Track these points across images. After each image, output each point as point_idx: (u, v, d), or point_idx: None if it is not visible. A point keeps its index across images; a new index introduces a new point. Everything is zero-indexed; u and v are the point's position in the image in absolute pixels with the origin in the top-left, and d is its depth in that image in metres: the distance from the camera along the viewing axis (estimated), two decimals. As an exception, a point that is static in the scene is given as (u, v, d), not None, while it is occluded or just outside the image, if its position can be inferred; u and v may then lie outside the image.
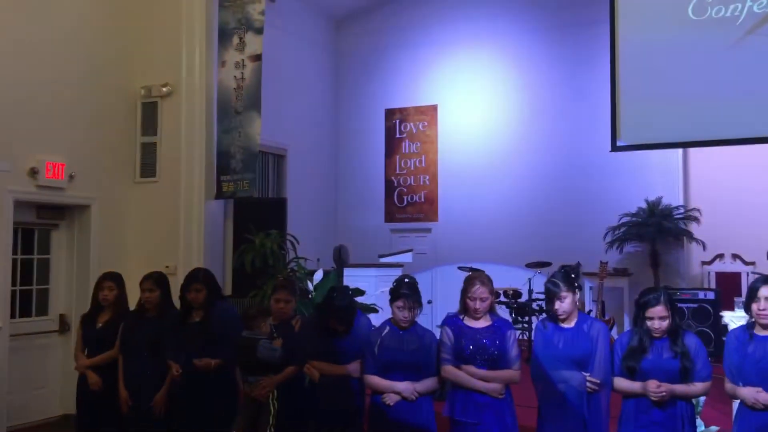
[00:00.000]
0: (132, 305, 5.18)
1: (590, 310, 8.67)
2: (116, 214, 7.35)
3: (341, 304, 4.30)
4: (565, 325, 4.04)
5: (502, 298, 8.99)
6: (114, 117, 7.37)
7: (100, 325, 5.08)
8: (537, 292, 8.66)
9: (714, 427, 4.81)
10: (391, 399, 4.07)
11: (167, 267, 6.82)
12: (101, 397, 4.93)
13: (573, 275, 4.15)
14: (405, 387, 4.07)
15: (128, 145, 7.53)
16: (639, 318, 3.88)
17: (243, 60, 7.68)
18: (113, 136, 7.35)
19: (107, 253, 7.08)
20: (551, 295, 4.05)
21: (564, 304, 4.02)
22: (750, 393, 3.62)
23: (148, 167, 7.53)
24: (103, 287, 5.09)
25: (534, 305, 8.66)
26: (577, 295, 4.07)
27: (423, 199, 11.55)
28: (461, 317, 4.15)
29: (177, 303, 4.98)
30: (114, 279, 5.15)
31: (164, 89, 7.45)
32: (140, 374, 4.79)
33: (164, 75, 7.48)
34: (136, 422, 4.78)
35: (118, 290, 5.13)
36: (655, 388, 3.71)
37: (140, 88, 7.56)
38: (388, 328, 4.21)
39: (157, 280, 4.98)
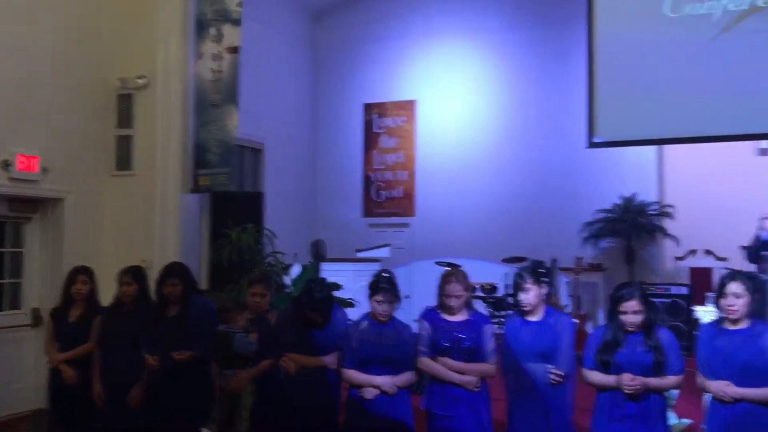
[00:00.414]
0: (106, 299, 5.13)
1: (566, 305, 8.75)
2: (91, 208, 7.27)
3: (320, 295, 4.30)
4: (531, 319, 4.11)
5: (479, 293, 9.04)
6: (89, 109, 7.28)
7: (73, 319, 5.03)
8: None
9: (686, 420, 4.89)
10: (369, 393, 4.08)
11: (143, 261, 6.71)
12: (75, 392, 4.89)
13: (541, 270, 4.20)
14: (384, 381, 4.09)
15: (104, 137, 7.44)
16: (613, 312, 3.93)
17: (220, 52, 7.62)
18: (88, 129, 7.26)
19: (81, 247, 7.00)
20: (516, 286, 4.13)
21: (528, 295, 4.07)
22: (719, 386, 3.68)
23: (124, 160, 7.46)
24: (76, 281, 5.04)
25: (510, 300, 8.72)
26: (544, 289, 4.11)
27: (401, 194, 11.56)
28: (439, 311, 4.18)
29: (153, 297, 4.94)
30: (87, 273, 5.11)
31: (140, 81, 7.37)
32: (117, 368, 4.75)
33: (140, 67, 7.41)
34: (112, 416, 4.73)
35: (92, 284, 5.08)
36: (629, 381, 3.76)
37: (116, 80, 7.47)
38: (366, 322, 4.22)
39: (135, 274, 4.93)
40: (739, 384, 3.64)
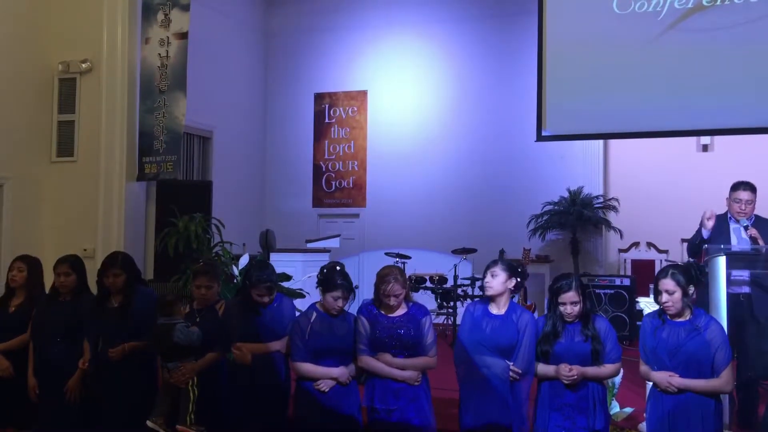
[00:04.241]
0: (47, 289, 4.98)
1: (513, 295, 8.85)
2: (31, 195, 7.06)
3: (260, 273, 4.28)
4: (494, 312, 4.09)
5: (428, 284, 9.08)
6: (29, 93, 7.06)
7: (12, 309, 4.88)
8: (462, 278, 8.79)
9: (628, 409, 4.99)
10: (326, 385, 4.06)
11: (85, 250, 6.61)
12: (12, 384, 4.74)
13: (518, 268, 4.21)
14: (341, 372, 4.08)
15: (44, 122, 7.22)
16: (552, 303, 4.00)
17: (168, 37, 7.45)
18: (28, 113, 7.04)
19: (21, 236, 6.79)
20: (486, 268, 4.13)
21: (494, 280, 4.08)
22: (662, 377, 3.75)
23: (66, 146, 7.26)
24: (12, 267, 4.91)
25: (459, 291, 8.79)
26: (511, 283, 4.11)
27: (351, 185, 11.53)
28: (376, 306, 4.17)
29: (93, 287, 4.81)
30: (24, 260, 4.95)
31: (83, 65, 7.17)
32: (53, 360, 4.62)
33: (84, 50, 7.21)
34: (50, 409, 4.60)
35: (28, 271, 4.92)
36: (566, 371, 3.83)
37: (57, 64, 7.25)
38: (315, 314, 4.19)
39: (73, 264, 4.79)
40: (683, 375, 3.71)
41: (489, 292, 4.10)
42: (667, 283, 3.78)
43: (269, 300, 4.34)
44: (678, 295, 3.77)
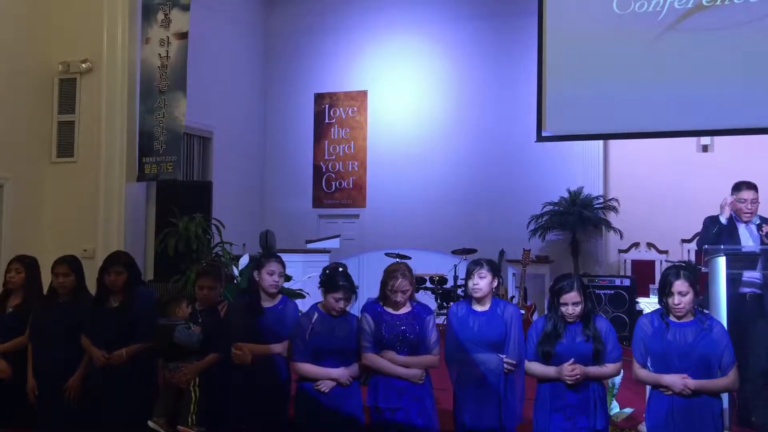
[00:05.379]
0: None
1: (513, 296, 8.86)
2: (31, 195, 7.05)
3: (269, 255, 4.33)
4: (479, 309, 4.13)
5: (428, 284, 9.08)
6: (29, 93, 7.05)
7: (11, 309, 4.87)
8: (462, 279, 8.77)
9: (628, 409, 4.98)
10: (326, 386, 4.06)
11: (85, 250, 6.60)
12: (11, 385, 4.73)
13: (497, 266, 4.27)
14: (341, 373, 4.07)
15: (44, 123, 7.22)
16: (553, 304, 3.99)
17: (168, 37, 7.44)
18: (28, 114, 7.04)
19: (21, 236, 6.79)
20: (470, 272, 4.14)
21: (481, 282, 4.10)
22: (677, 380, 3.71)
23: (66, 147, 7.25)
24: (9, 269, 4.91)
25: (459, 291, 8.79)
26: (495, 283, 4.15)
27: (351, 185, 11.53)
28: (381, 304, 4.18)
29: (92, 287, 4.80)
30: (22, 261, 4.94)
31: (83, 65, 7.16)
32: (52, 361, 4.62)
33: (84, 50, 7.20)
34: (50, 410, 4.59)
35: (26, 272, 4.91)
36: (570, 370, 3.82)
37: (57, 64, 7.25)
38: (317, 314, 4.18)
39: (71, 265, 4.78)
40: (693, 376, 3.70)
41: (478, 294, 4.12)
42: (682, 285, 3.75)
43: (281, 277, 4.33)
44: (690, 296, 3.76)
